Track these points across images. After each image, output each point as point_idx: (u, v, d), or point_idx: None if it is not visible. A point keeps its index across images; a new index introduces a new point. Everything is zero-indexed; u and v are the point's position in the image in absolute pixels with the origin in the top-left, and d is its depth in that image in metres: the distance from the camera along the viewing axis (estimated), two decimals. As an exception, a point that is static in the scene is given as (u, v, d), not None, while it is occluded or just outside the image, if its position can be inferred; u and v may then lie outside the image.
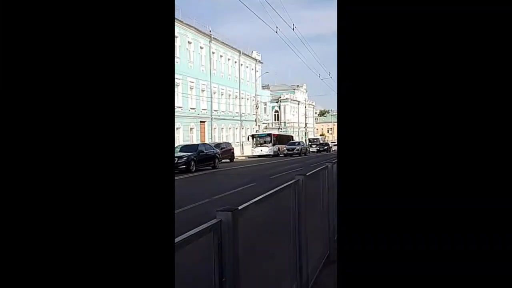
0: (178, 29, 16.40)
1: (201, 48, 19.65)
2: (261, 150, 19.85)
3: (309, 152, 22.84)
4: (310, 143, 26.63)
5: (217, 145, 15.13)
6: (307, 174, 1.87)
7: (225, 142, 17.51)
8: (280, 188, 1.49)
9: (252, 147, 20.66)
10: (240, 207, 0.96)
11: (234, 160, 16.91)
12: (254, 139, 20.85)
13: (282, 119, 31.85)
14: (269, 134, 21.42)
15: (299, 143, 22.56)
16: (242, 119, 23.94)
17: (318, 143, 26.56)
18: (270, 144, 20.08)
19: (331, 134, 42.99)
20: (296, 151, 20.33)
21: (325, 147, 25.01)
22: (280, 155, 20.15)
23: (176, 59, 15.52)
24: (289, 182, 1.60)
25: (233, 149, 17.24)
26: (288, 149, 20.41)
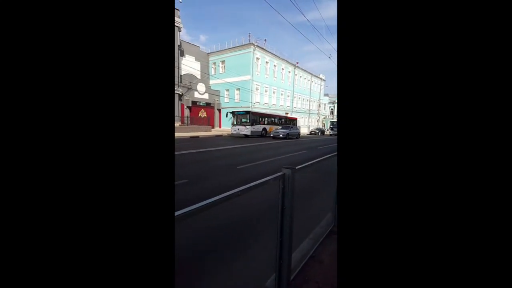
0: (277, 61, 31.85)
1: (289, 72, 34.98)
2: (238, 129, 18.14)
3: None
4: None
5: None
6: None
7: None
8: (324, 158, 2.07)
9: (232, 125, 18.96)
10: (297, 167, 1.42)
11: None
12: (235, 116, 19.03)
13: (335, 114, 47.89)
14: (247, 112, 18.59)
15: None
16: (310, 113, 39.00)
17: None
18: (249, 123, 17.97)
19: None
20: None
21: None
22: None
23: (273, 78, 31.25)
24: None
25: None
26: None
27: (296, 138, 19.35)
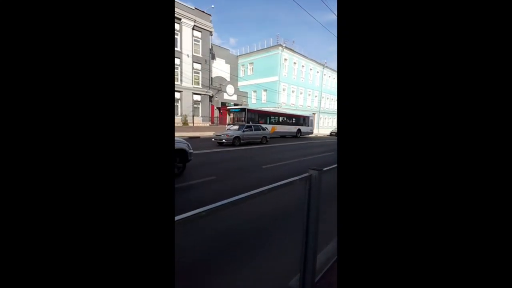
0: (305, 61, 31.49)
1: (317, 72, 34.40)
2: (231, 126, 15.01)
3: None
4: None
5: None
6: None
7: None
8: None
9: (228, 124, 16.31)
10: (324, 169, 1.39)
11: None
12: (231, 114, 16.57)
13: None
14: (243, 109, 15.85)
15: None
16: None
17: None
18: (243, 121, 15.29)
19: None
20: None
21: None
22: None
23: (301, 79, 30.89)
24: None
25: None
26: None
27: (262, 142, 12.29)
